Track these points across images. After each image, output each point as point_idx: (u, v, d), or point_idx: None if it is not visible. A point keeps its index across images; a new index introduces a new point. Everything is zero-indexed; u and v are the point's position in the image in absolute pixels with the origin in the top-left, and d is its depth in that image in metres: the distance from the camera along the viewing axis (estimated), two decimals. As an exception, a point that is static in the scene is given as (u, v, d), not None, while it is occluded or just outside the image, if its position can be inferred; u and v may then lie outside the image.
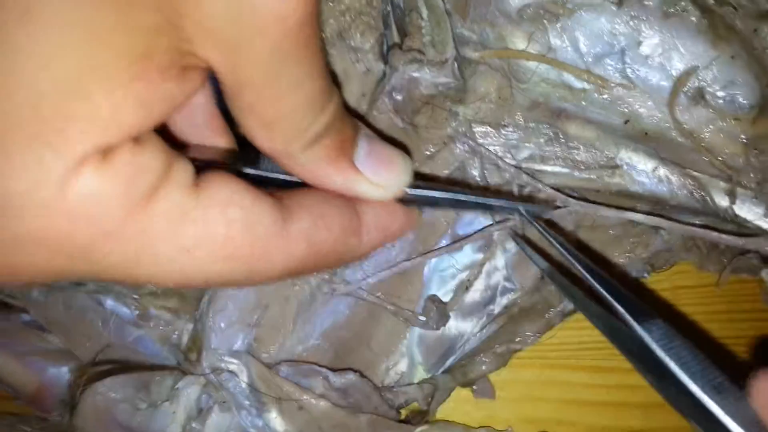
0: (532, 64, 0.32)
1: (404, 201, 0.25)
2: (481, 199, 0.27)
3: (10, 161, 0.14)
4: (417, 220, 0.27)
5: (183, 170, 0.18)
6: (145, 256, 0.17)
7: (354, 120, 0.22)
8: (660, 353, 0.22)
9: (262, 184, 0.21)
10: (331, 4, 0.29)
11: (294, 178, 0.22)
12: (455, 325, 0.36)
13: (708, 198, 0.30)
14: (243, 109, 0.19)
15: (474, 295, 0.35)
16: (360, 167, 0.22)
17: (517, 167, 0.31)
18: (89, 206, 0.16)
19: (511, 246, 0.35)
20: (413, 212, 0.26)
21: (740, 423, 0.20)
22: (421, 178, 0.24)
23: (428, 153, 0.33)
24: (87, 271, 0.17)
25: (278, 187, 0.22)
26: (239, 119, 0.19)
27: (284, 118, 0.19)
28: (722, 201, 0.30)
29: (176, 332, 0.35)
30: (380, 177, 0.23)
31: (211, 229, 0.18)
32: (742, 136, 0.30)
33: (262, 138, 0.20)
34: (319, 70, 0.19)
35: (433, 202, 0.26)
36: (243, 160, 0.23)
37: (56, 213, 0.15)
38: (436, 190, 0.25)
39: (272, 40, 0.17)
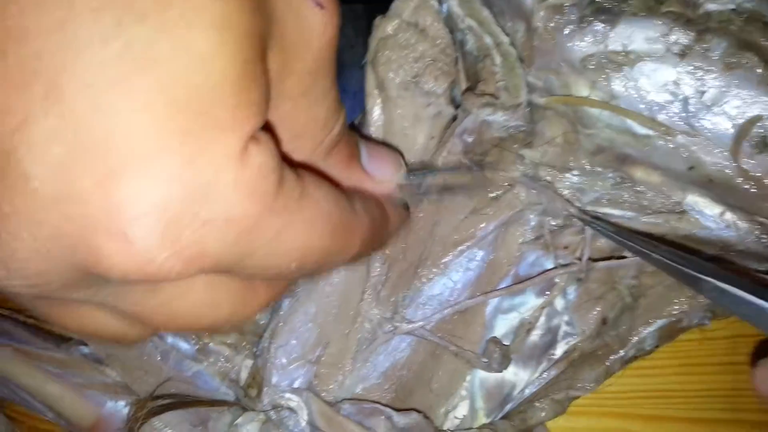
0: (596, 111, 0.33)
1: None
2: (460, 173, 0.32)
3: (198, 151, 0.15)
4: (408, 211, 0.31)
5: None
6: (285, 232, 0.18)
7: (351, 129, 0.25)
8: None
9: None
10: (406, 51, 0.30)
11: None
12: (515, 369, 0.35)
13: (776, 244, 0.31)
14: (275, 122, 0.20)
15: (534, 338, 0.35)
16: (366, 167, 0.25)
17: (582, 210, 0.32)
18: (260, 180, 0.17)
19: (572, 290, 0.35)
20: (406, 208, 0.30)
21: None
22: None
23: (493, 195, 0.33)
24: (239, 256, 0.18)
25: None
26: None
27: (311, 128, 0.21)
28: (790, 247, 0.31)
29: (235, 368, 0.35)
30: (383, 173, 0.26)
31: (320, 204, 0.20)
32: (809, 184, 0.30)
33: (289, 149, 0.21)
34: (335, 82, 0.21)
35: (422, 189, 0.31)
36: None
37: (239, 191, 0.16)
38: (428, 173, 0.31)
39: (315, 53, 0.19)
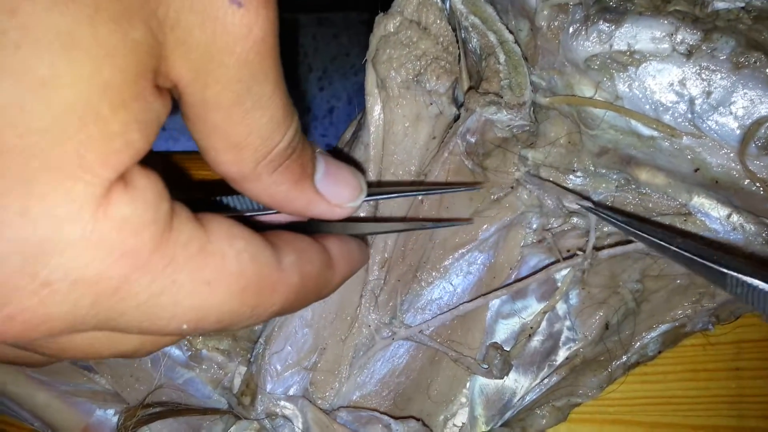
0: (600, 112, 0.32)
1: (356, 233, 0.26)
2: (436, 189, 0.30)
3: (34, 201, 0.13)
4: (366, 251, 0.28)
5: (180, 203, 0.17)
6: (168, 293, 0.16)
7: (310, 141, 0.23)
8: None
9: None
10: (407, 49, 0.30)
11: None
12: (515, 376, 0.35)
13: (784, 248, 0.30)
14: (209, 132, 0.18)
15: (535, 344, 0.34)
16: (319, 188, 0.22)
17: (588, 206, 0.31)
18: (125, 236, 0.15)
19: (574, 294, 0.34)
20: (365, 245, 0.27)
21: None
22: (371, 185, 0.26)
23: (494, 197, 0.33)
24: (104, 318, 0.16)
25: None
26: (204, 144, 0.19)
27: (252, 138, 0.19)
28: (799, 251, 0.30)
29: (228, 375, 0.34)
30: (338, 197, 0.23)
31: (228, 261, 0.18)
32: (817, 187, 0.30)
33: (228, 161, 0.19)
34: (282, 87, 0.19)
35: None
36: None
37: (91, 249, 0.14)
38: (391, 194, 0.28)
39: (239, 56, 0.17)
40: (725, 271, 0.22)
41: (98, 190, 0.14)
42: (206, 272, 0.17)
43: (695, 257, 0.24)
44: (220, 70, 0.17)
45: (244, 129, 0.18)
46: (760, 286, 0.22)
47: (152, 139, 0.16)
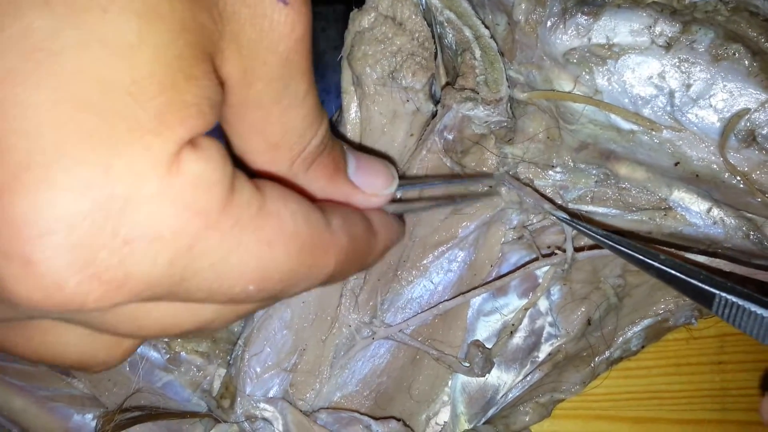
0: (579, 106, 0.31)
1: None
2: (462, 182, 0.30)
3: (116, 158, 0.13)
4: (403, 226, 0.28)
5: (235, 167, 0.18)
6: (236, 253, 0.16)
7: (337, 139, 0.23)
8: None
9: None
10: (382, 45, 0.29)
11: None
12: (498, 373, 0.34)
13: (765, 240, 0.30)
14: (247, 132, 0.19)
15: (518, 341, 0.34)
16: (354, 181, 0.23)
17: (565, 219, 0.30)
18: (198, 193, 0.15)
19: (556, 290, 0.34)
20: (402, 221, 0.28)
21: None
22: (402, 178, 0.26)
23: (475, 195, 0.32)
24: (178, 279, 0.16)
25: None
26: (241, 147, 0.19)
27: (288, 136, 0.19)
28: (779, 244, 0.30)
29: (207, 377, 0.34)
30: (373, 187, 0.24)
31: (284, 221, 0.18)
32: (797, 179, 0.29)
33: (265, 160, 0.19)
34: (314, 86, 0.19)
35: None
36: None
37: (167, 205, 0.14)
38: (423, 185, 0.29)
39: (282, 54, 0.17)
40: (714, 291, 0.22)
41: (171, 148, 0.14)
42: (266, 232, 0.17)
43: (681, 275, 0.23)
44: (264, 68, 0.17)
45: (280, 128, 0.19)
46: (752, 309, 0.21)
47: (215, 119, 0.16)
